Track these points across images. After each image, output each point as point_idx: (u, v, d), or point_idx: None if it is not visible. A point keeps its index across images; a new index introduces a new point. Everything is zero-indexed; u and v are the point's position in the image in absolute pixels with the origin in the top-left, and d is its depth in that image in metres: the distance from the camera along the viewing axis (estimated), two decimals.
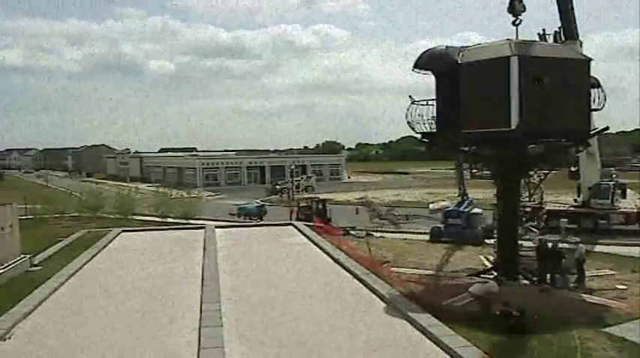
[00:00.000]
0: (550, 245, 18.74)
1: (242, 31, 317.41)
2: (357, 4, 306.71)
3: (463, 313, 14.17)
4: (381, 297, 15.88)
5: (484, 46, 17.81)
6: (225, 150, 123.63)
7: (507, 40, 17.25)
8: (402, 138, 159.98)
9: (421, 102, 17.93)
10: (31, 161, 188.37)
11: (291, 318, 14.27)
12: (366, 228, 32.68)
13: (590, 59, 17.34)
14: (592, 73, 17.27)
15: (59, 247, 25.65)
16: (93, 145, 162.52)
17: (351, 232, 30.75)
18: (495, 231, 20.21)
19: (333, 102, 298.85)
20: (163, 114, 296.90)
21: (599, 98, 17.65)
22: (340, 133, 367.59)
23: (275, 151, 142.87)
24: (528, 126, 16.05)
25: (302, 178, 72.22)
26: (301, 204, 40.39)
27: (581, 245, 19.10)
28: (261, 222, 37.65)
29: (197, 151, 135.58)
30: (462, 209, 29.83)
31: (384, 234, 31.90)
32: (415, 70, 18.04)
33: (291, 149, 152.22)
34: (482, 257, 22.36)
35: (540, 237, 20.36)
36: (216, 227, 30.28)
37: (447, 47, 17.87)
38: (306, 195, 51.67)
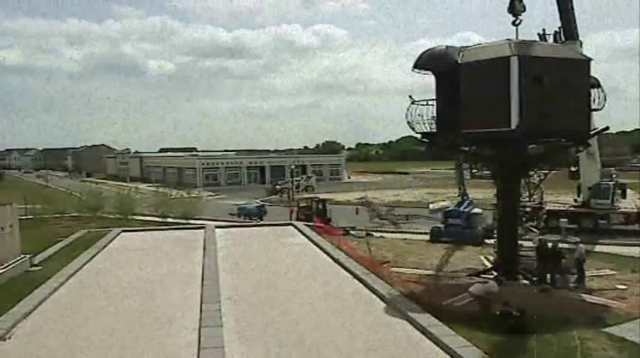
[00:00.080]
0: (550, 245, 18.74)
1: (242, 31, 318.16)
2: (358, 4, 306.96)
3: (463, 313, 14.16)
4: (381, 297, 15.88)
5: (484, 46, 17.81)
6: (225, 150, 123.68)
7: (507, 40, 17.24)
8: (402, 138, 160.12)
9: (421, 102, 17.93)
10: (31, 161, 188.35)
11: (291, 318, 14.27)
12: (366, 228, 32.68)
13: (590, 59, 17.34)
14: (591, 73, 17.27)
15: (59, 247, 25.65)
16: (93, 145, 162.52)
17: (351, 232, 30.74)
18: (495, 231, 20.21)
19: (334, 103, 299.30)
20: (162, 114, 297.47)
21: (599, 98, 17.65)
22: (340, 133, 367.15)
23: (275, 151, 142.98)
24: (528, 126, 16.05)
25: (302, 178, 72.20)
26: (301, 204, 40.38)
27: (581, 245, 19.09)
28: (261, 222, 37.64)
29: (197, 151, 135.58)
30: (462, 209, 29.82)
31: (384, 234, 31.89)
32: (415, 70, 18.04)
33: (291, 149, 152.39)
34: (482, 257, 22.36)
35: (540, 237, 20.34)
36: (216, 227, 30.28)
37: (447, 47, 17.86)
38: (306, 195, 51.65)
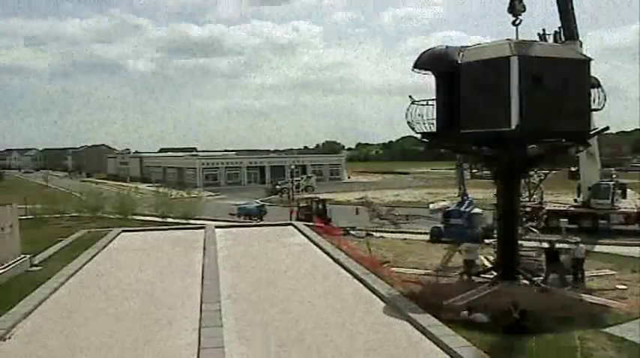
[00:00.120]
0: (548, 245, 18.78)
1: (220, 27, 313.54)
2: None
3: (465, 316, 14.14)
4: (381, 297, 15.89)
5: (484, 46, 17.80)
6: (225, 150, 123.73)
7: (507, 40, 17.24)
8: (402, 138, 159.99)
9: (421, 102, 17.92)
10: (31, 161, 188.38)
11: (291, 318, 14.27)
12: (366, 228, 32.68)
13: (590, 59, 17.32)
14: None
15: (59, 247, 25.66)
16: (93, 145, 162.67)
17: (351, 232, 30.74)
18: (495, 231, 20.20)
19: (319, 101, 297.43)
20: (142, 113, 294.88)
21: (599, 98, 17.64)
22: (340, 133, 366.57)
23: (275, 151, 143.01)
24: (528, 126, 16.04)
25: (302, 178, 72.24)
26: (301, 204, 40.41)
27: (581, 245, 19.08)
28: (261, 222, 37.66)
29: (197, 151, 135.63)
30: (462, 209, 29.82)
31: (384, 234, 31.90)
32: (415, 70, 18.01)
33: (291, 149, 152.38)
34: (482, 257, 22.33)
35: (547, 238, 20.25)
36: (216, 227, 30.27)
37: (446, 47, 17.86)
38: (306, 195, 51.67)
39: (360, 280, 17.81)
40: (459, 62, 16.98)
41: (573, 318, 13.91)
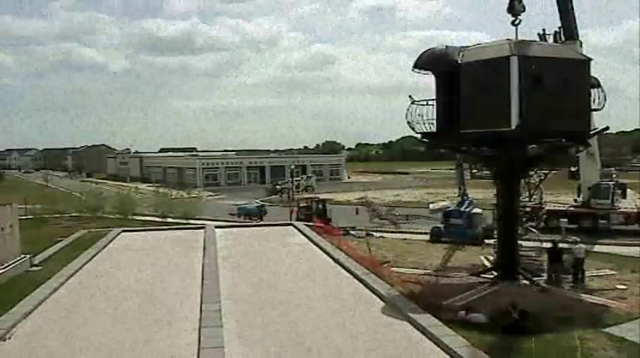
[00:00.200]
0: (550, 244, 18.78)
1: (202, 26, 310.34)
2: None
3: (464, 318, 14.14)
4: (381, 297, 15.89)
5: (484, 46, 17.80)
6: (225, 150, 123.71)
7: (507, 40, 17.24)
8: (402, 138, 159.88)
9: (421, 102, 17.92)
10: (30, 161, 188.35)
11: (291, 318, 14.27)
12: (366, 228, 32.69)
13: (590, 59, 17.33)
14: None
15: (59, 247, 25.66)
16: (93, 145, 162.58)
17: (351, 232, 30.73)
18: (495, 231, 20.21)
19: (309, 102, 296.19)
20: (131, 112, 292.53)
21: (599, 98, 17.65)
22: (340, 133, 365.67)
23: (275, 151, 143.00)
24: (528, 126, 16.04)
25: (302, 178, 72.24)
26: (301, 204, 40.40)
27: (581, 244, 19.09)
28: (261, 222, 37.65)
29: (197, 151, 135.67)
30: (462, 209, 29.83)
31: (384, 234, 31.90)
32: (415, 70, 18.02)
33: (291, 149, 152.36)
34: (482, 257, 22.35)
35: (548, 238, 20.22)
36: (216, 227, 30.27)
37: (446, 47, 17.86)
38: (306, 195, 51.66)
39: (360, 280, 17.81)
40: (459, 62, 16.99)
41: (573, 318, 13.92)
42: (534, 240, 20.14)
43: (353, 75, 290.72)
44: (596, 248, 24.87)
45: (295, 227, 29.62)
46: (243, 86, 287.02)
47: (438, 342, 12.25)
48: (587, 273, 18.46)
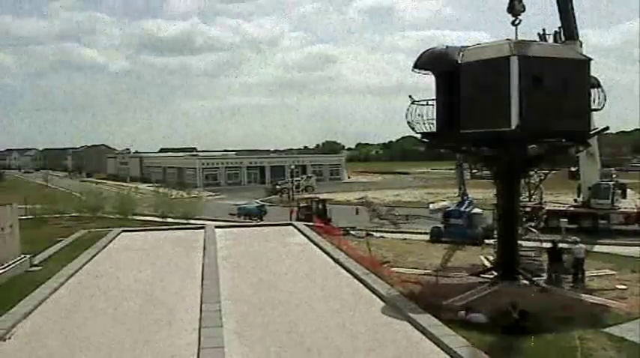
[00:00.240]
0: (550, 244, 18.78)
1: (202, 26, 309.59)
2: None
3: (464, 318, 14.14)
4: (381, 297, 15.89)
5: (484, 46, 17.80)
6: (225, 150, 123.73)
7: (507, 40, 17.24)
8: (402, 138, 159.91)
9: (421, 102, 17.92)
10: (30, 161, 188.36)
11: (291, 318, 14.27)
12: (366, 228, 32.69)
13: (590, 59, 17.33)
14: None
15: (59, 247, 25.66)
16: (93, 145, 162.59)
17: (351, 232, 30.73)
18: (495, 231, 20.21)
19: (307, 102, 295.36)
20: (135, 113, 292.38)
21: (599, 98, 17.65)
22: (340, 133, 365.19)
23: (275, 151, 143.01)
24: (528, 126, 16.05)
25: (302, 178, 72.24)
26: (301, 204, 40.40)
27: (581, 244, 19.09)
28: (261, 222, 37.65)
29: (197, 151, 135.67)
30: (462, 209, 29.83)
31: (384, 234, 31.89)
32: (415, 70, 18.03)
33: (291, 149, 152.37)
34: (482, 257, 22.35)
35: (548, 238, 20.22)
36: (216, 227, 30.27)
37: (446, 47, 17.86)
38: (306, 195, 51.66)
39: (360, 280, 17.80)
40: (459, 62, 16.99)
41: (573, 318, 13.91)
42: (534, 240, 20.13)
43: (353, 75, 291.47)
44: (596, 248, 24.87)
45: (295, 227, 29.62)
46: (243, 86, 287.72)
47: (438, 342, 12.25)
48: (587, 273, 18.46)
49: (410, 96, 18.00)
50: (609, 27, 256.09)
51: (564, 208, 33.32)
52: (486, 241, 25.81)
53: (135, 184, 76.29)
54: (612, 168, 38.81)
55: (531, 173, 20.32)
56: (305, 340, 12.66)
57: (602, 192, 31.91)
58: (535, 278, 18.06)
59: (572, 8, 23.39)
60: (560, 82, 16.47)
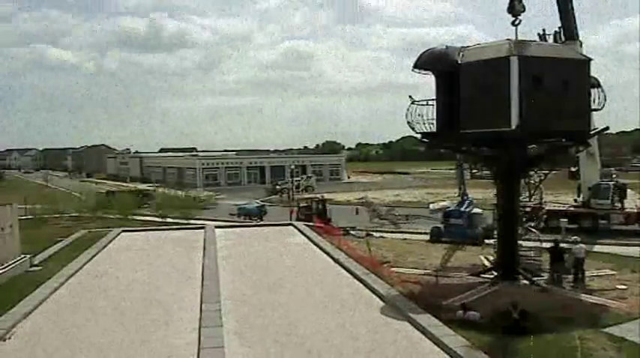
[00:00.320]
0: (551, 244, 18.78)
1: (188, 20, 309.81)
2: None
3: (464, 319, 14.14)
4: (381, 297, 15.88)
5: (484, 46, 17.80)
6: (225, 150, 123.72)
7: (507, 40, 17.24)
8: (402, 138, 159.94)
9: (421, 102, 17.92)
10: (30, 161, 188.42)
11: (291, 318, 14.26)
12: (366, 228, 32.70)
13: (590, 59, 17.34)
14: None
15: (59, 247, 25.65)
16: (93, 145, 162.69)
17: (351, 232, 30.74)
18: (495, 231, 20.21)
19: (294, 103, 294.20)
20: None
21: (599, 98, 17.65)
22: (340, 133, 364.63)
23: (275, 151, 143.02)
24: (528, 126, 16.04)
25: (302, 178, 72.26)
26: (301, 204, 40.41)
27: (581, 244, 19.08)
28: (261, 222, 37.66)
29: (197, 151, 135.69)
30: (462, 209, 29.83)
31: (384, 234, 31.91)
32: (415, 70, 18.02)
33: (291, 149, 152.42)
34: (482, 257, 22.35)
35: (549, 238, 20.22)
36: (216, 227, 30.28)
37: (446, 47, 17.86)
38: (307, 195, 51.67)
39: (360, 280, 17.80)
40: (459, 62, 16.99)
41: (573, 318, 13.91)
42: (534, 240, 20.12)
43: (333, 72, 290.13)
44: (596, 248, 24.87)
45: (295, 227, 29.62)
46: (231, 84, 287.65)
47: (437, 342, 12.25)
48: (587, 273, 18.46)
49: (410, 97, 18.01)
50: (607, 26, 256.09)
51: (564, 208, 33.32)
52: (486, 241, 25.82)
53: (135, 184, 76.40)
54: (612, 168, 38.83)
55: (531, 173, 20.31)
56: (305, 340, 12.66)
57: (602, 192, 31.91)
58: (535, 278, 18.06)
59: (572, 8, 23.40)
60: (560, 82, 16.47)
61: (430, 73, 18.18)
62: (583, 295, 16.69)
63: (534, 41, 19.42)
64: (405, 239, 29.94)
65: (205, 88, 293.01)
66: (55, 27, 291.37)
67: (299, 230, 28.47)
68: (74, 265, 20.73)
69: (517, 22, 17.86)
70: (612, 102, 18.41)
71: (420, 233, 31.69)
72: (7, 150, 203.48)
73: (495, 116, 16.41)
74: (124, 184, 78.74)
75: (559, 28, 23.28)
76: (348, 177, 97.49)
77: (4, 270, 19.17)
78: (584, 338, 12.52)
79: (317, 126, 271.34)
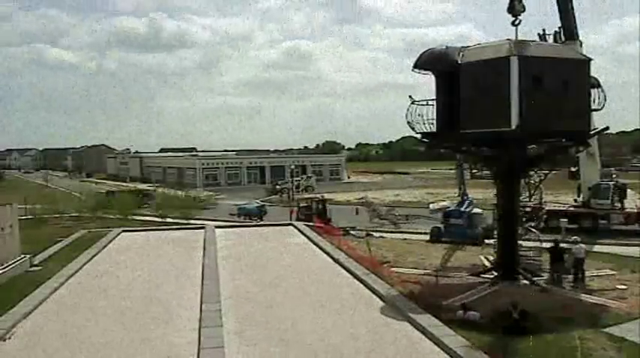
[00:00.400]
0: (551, 244, 18.78)
1: (188, 19, 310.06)
2: None
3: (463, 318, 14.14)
4: (381, 297, 15.88)
5: (484, 46, 17.80)
6: (225, 150, 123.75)
7: (507, 40, 17.25)
8: (402, 138, 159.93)
9: (421, 102, 17.92)
10: (31, 161, 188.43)
11: (291, 318, 14.26)
12: (366, 228, 32.71)
13: (590, 59, 17.34)
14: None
15: (59, 247, 25.65)
16: (93, 145, 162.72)
17: (351, 232, 30.75)
18: (495, 231, 20.21)
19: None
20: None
21: (599, 98, 17.65)
22: (340, 133, 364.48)
23: (275, 151, 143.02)
24: (528, 126, 16.05)
25: (302, 178, 72.29)
26: (301, 204, 40.42)
27: (581, 244, 19.08)
28: (261, 222, 37.66)
29: (197, 151, 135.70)
30: (462, 209, 29.84)
31: (384, 234, 31.93)
32: (415, 70, 18.03)
33: (291, 149, 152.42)
34: (482, 257, 22.36)
35: (549, 238, 20.23)
36: (216, 227, 30.28)
37: (446, 47, 17.87)
38: (307, 195, 51.68)
39: (360, 280, 17.80)
40: (459, 62, 16.99)
41: (573, 318, 13.91)
42: (534, 240, 20.13)
43: (331, 71, 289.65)
44: (596, 248, 24.88)
45: (295, 227, 29.62)
46: (231, 84, 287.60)
47: (437, 342, 12.25)
48: (587, 273, 18.46)
49: (410, 97, 18.02)
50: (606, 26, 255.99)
51: (564, 208, 33.33)
52: (486, 241, 25.82)
53: (135, 184, 76.41)
54: (612, 168, 38.85)
55: (531, 173, 20.32)
56: (305, 340, 12.66)
57: (602, 192, 31.92)
58: (535, 278, 18.06)
59: (572, 8, 23.41)
60: (560, 82, 16.48)
61: (430, 73, 18.19)
62: (583, 295, 16.70)
63: (534, 41, 19.43)
64: (405, 239, 29.95)
65: (205, 87, 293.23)
66: (54, 26, 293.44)
67: (299, 230, 28.47)
68: (74, 265, 20.73)
69: (517, 22, 17.87)
70: (612, 102, 18.39)
71: (420, 233, 31.69)
72: (7, 150, 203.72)
73: (495, 116, 16.41)
74: (124, 184, 78.80)
75: (559, 28, 23.30)
76: (348, 177, 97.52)
77: (4, 270, 19.18)
78: (584, 338, 12.53)
79: (317, 126, 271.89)
